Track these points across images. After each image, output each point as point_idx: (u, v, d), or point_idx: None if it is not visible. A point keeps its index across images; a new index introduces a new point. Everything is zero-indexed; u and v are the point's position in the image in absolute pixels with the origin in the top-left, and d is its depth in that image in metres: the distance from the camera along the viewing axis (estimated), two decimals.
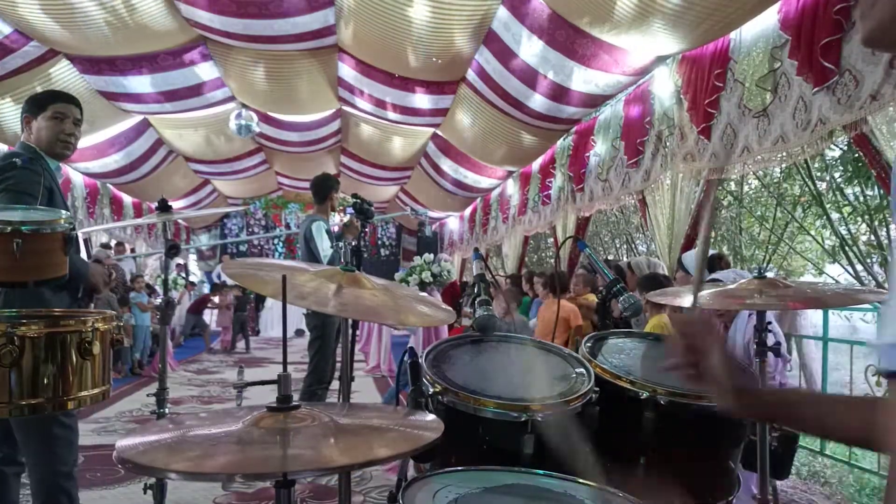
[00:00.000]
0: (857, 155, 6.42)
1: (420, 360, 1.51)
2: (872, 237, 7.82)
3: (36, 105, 2.49)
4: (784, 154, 3.79)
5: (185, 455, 0.87)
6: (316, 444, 0.91)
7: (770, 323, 1.98)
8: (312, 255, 4.42)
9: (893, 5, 0.68)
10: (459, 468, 1.26)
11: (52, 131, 2.45)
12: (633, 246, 12.65)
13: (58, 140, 2.46)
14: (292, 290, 1.44)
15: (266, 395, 1.03)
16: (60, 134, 2.46)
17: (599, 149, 6.11)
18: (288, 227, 15.49)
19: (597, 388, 1.52)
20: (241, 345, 11.75)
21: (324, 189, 4.70)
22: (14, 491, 2.36)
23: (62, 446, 2.22)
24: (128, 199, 10.63)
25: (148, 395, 2.23)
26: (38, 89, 6.15)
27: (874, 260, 7.89)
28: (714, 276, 3.41)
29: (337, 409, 1.15)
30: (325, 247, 4.37)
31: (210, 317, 12.63)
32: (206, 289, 15.27)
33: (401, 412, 1.18)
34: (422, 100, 7.13)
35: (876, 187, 6.90)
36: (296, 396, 1.01)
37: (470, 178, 9.59)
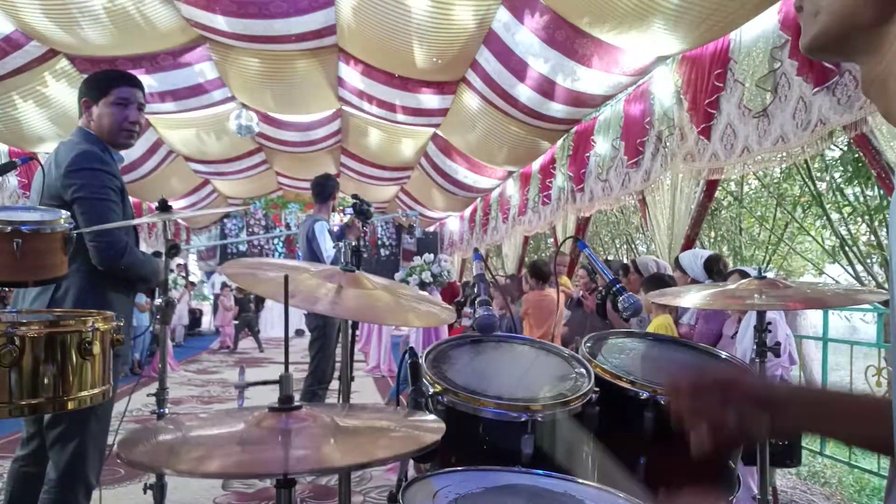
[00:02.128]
0: (857, 155, 6.43)
1: (420, 360, 1.51)
2: (872, 237, 7.82)
3: (97, 88, 2.30)
4: (784, 154, 3.79)
5: (187, 456, 0.88)
6: (317, 445, 0.91)
7: (770, 323, 1.99)
8: (314, 255, 4.45)
9: (839, 16, 0.67)
10: (459, 468, 1.26)
11: (116, 119, 2.28)
12: (633, 246, 12.66)
13: (122, 129, 2.29)
14: (301, 293, 1.44)
15: (267, 396, 1.04)
16: (125, 122, 2.29)
17: (599, 149, 6.11)
18: (288, 227, 15.50)
19: (597, 389, 1.52)
20: (242, 344, 11.75)
21: (326, 190, 4.73)
22: (39, 490, 2.34)
23: (94, 455, 2.20)
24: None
25: (148, 395, 2.22)
26: (38, 89, 6.16)
27: (874, 260, 7.89)
28: (742, 268, 3.53)
29: (337, 409, 1.15)
30: (328, 247, 4.40)
31: (210, 317, 12.65)
32: (205, 289, 15.28)
33: (401, 412, 1.18)
34: (422, 100, 7.13)
35: (876, 188, 6.91)
36: (296, 397, 1.01)
37: (470, 178, 9.59)
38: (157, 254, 2.30)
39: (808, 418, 0.85)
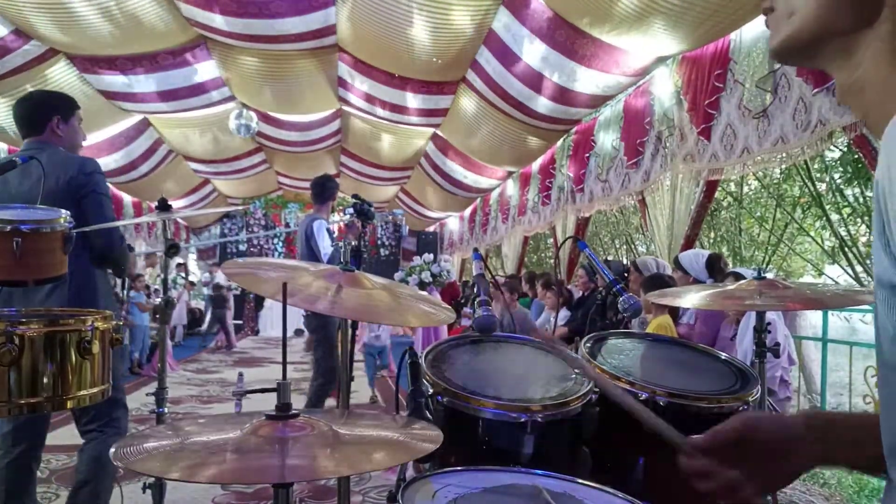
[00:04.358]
0: (856, 156, 6.43)
1: (420, 360, 1.51)
2: (872, 238, 7.81)
3: (69, 108, 2.63)
4: (784, 155, 3.79)
5: (183, 464, 0.87)
6: (313, 455, 0.91)
7: (769, 324, 1.98)
8: (312, 254, 4.45)
9: (814, 19, 0.65)
10: (459, 468, 1.26)
11: (81, 135, 2.69)
12: (632, 246, 12.65)
13: (81, 145, 2.70)
14: (300, 292, 1.44)
15: (267, 397, 1.04)
16: (83, 139, 2.74)
17: (599, 149, 6.11)
18: (288, 226, 15.48)
19: (596, 389, 1.52)
20: (242, 343, 11.72)
21: (326, 190, 4.75)
22: (34, 483, 2.46)
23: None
24: (127, 199, 10.63)
25: (147, 395, 2.22)
26: (38, 89, 6.17)
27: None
28: (737, 270, 3.55)
29: (336, 416, 1.15)
30: (325, 245, 4.40)
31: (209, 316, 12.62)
32: (203, 289, 15.27)
33: (399, 421, 1.18)
34: (422, 100, 7.13)
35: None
36: (303, 399, 1.01)
37: (470, 178, 9.59)
38: (129, 247, 2.62)
39: (826, 447, 0.82)
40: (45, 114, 2.53)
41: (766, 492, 0.83)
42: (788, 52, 0.70)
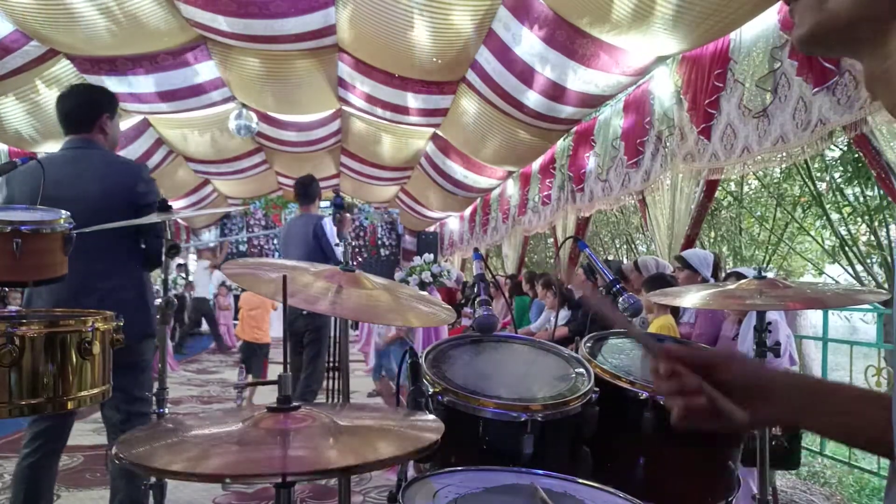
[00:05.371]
0: (856, 155, 6.42)
1: (420, 360, 1.51)
2: (872, 237, 7.81)
3: (115, 105, 2.58)
4: (784, 154, 3.79)
5: (185, 456, 0.87)
6: (315, 446, 0.91)
7: (770, 323, 1.98)
8: (317, 253, 4.44)
9: (852, 4, 0.63)
10: (459, 468, 1.26)
11: (119, 132, 2.62)
12: (633, 246, 12.65)
13: (118, 142, 2.65)
14: (300, 292, 1.44)
15: (266, 395, 1.04)
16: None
17: (599, 149, 6.11)
18: None
19: (596, 389, 1.52)
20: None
21: (311, 190, 4.81)
22: (52, 486, 2.46)
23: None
24: None
25: (147, 395, 2.22)
26: (39, 89, 6.16)
27: (874, 260, 7.89)
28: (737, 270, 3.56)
29: (336, 409, 1.15)
30: (335, 243, 4.43)
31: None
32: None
33: (401, 412, 1.18)
34: (422, 100, 7.13)
35: (876, 188, 6.90)
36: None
37: (470, 178, 9.59)
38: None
39: (794, 406, 0.80)
40: (96, 111, 2.47)
41: (714, 420, 0.80)
42: (819, 39, 0.67)
